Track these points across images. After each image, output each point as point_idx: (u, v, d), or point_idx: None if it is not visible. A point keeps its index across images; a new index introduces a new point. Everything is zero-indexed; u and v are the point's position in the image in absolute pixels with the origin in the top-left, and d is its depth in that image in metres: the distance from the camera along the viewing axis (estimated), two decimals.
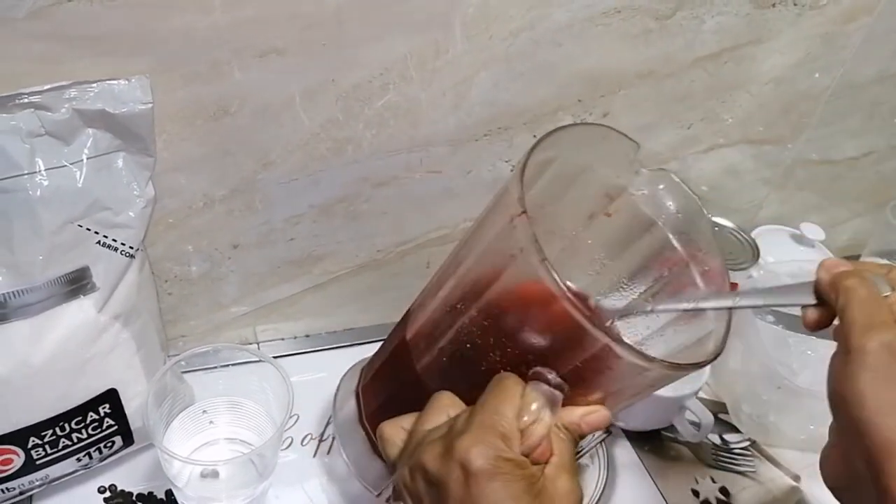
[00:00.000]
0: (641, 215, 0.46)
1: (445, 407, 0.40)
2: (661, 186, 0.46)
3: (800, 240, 0.80)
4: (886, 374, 0.33)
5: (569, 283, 0.35)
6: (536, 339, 0.39)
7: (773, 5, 0.64)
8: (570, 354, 0.37)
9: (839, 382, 0.35)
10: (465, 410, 0.39)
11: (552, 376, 0.38)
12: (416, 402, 0.42)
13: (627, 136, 0.45)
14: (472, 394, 0.39)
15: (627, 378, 0.39)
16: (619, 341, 0.35)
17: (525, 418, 0.37)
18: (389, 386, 0.49)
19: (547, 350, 0.38)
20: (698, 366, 0.39)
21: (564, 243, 0.48)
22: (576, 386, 0.39)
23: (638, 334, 0.48)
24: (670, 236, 0.46)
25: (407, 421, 0.41)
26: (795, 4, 0.65)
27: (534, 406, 0.38)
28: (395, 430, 0.41)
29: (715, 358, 0.40)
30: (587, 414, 0.40)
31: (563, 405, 0.39)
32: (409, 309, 0.49)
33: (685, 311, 0.43)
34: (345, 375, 0.58)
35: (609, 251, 0.48)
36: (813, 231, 0.77)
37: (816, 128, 0.76)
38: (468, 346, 0.42)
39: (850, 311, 0.35)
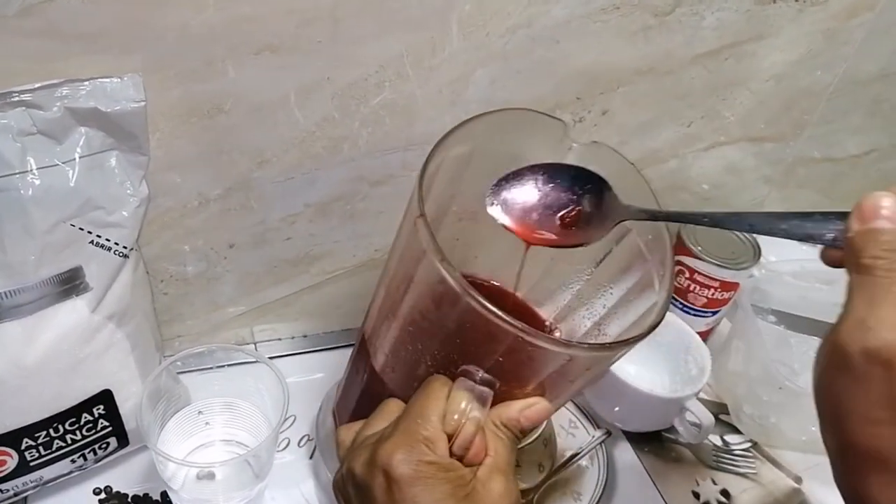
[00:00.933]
0: None
1: (390, 413, 0.40)
2: (596, 159, 0.44)
3: None
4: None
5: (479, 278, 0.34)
6: (454, 339, 0.38)
7: (774, 1, 0.63)
8: (488, 349, 0.37)
9: (829, 380, 0.31)
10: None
11: (479, 374, 0.37)
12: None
13: (549, 115, 0.44)
14: None
15: (555, 365, 0.38)
16: (526, 330, 0.34)
17: (455, 417, 0.37)
18: (354, 397, 0.49)
19: (467, 348, 0.38)
20: (627, 343, 0.37)
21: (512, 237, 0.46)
22: (507, 381, 0.38)
23: (595, 314, 0.47)
24: None
25: (360, 426, 0.41)
26: (797, 0, 0.64)
27: (462, 405, 0.37)
28: (349, 434, 0.41)
29: (650, 332, 0.37)
30: (525, 408, 0.39)
31: (501, 401, 0.38)
32: (363, 320, 0.49)
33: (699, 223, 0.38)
34: (327, 394, 0.58)
35: None
36: None
37: (818, 125, 0.76)
38: (402, 353, 0.42)
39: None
